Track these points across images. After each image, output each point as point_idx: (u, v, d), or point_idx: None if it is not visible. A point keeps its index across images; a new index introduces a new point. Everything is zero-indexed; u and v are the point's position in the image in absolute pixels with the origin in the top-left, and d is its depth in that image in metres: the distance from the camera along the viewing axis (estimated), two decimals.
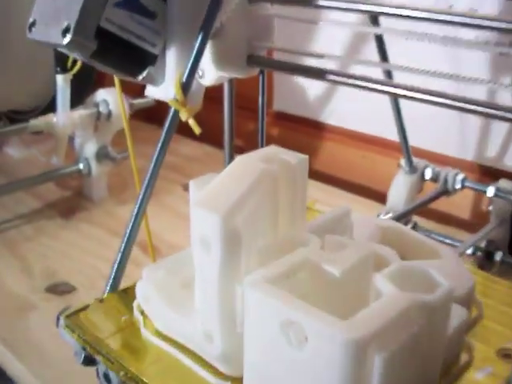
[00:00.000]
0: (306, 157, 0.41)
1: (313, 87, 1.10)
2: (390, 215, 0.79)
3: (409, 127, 0.80)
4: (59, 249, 0.81)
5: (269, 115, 1.14)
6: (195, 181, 0.43)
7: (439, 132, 0.92)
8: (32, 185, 0.93)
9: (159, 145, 0.48)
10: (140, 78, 0.49)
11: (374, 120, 1.02)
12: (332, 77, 0.45)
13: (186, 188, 0.96)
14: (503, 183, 0.74)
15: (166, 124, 0.48)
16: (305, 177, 0.41)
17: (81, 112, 0.86)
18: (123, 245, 0.49)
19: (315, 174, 0.95)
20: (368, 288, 0.36)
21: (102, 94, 0.88)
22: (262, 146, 0.67)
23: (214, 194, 0.35)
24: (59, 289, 0.72)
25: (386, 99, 0.79)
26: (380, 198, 0.98)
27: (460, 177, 0.78)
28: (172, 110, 0.48)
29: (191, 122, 0.46)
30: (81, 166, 0.93)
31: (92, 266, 0.76)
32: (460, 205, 0.90)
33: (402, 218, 0.74)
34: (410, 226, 0.80)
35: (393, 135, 0.97)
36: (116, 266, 0.48)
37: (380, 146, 1.04)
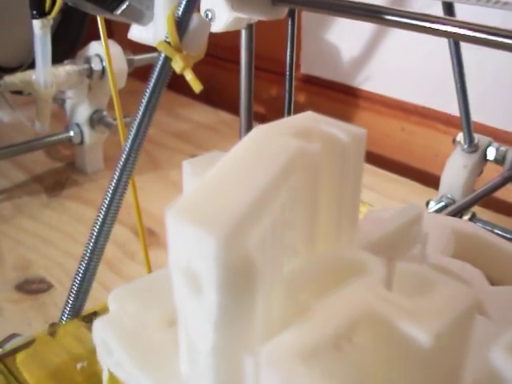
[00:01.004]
0: (364, 131, 0.26)
1: (346, 46, 0.94)
2: (443, 203, 0.64)
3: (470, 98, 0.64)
4: (39, 233, 0.67)
5: (295, 79, 0.99)
6: (191, 162, 0.29)
7: (507, 105, 0.76)
8: (15, 154, 0.79)
9: (144, 101, 0.33)
10: (118, 12, 0.34)
11: (419, 86, 0.87)
12: (377, 15, 0.32)
13: (191, 156, 0.81)
14: None
15: (154, 75, 0.33)
16: (360, 162, 0.26)
17: (68, 68, 0.71)
18: (90, 246, 0.35)
19: None
20: (463, 359, 0.21)
21: (94, 48, 0.73)
22: (289, 114, 0.52)
23: (211, 194, 0.20)
24: (32, 287, 0.58)
25: (438, 60, 0.64)
26: (422, 178, 0.83)
27: None
28: (162, 57, 0.32)
29: (189, 75, 0.31)
30: (72, 133, 0.79)
31: (76, 257, 0.62)
32: None
33: (463, 210, 0.58)
34: (466, 217, 0.64)
35: (441, 105, 0.82)
36: (78, 280, 0.33)
37: (424, 117, 0.89)
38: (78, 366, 0.29)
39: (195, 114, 0.99)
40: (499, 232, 0.63)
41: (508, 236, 0.63)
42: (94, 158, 0.81)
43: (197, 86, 0.31)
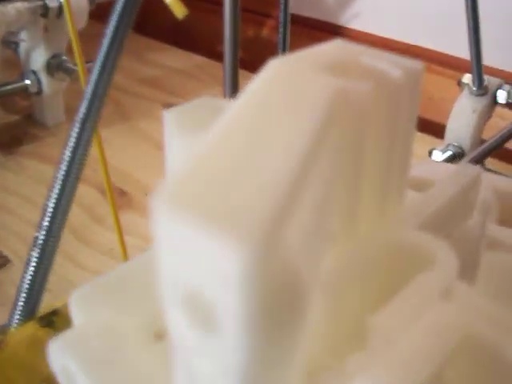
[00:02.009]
0: (421, 66, 0.18)
1: None
2: (450, 153, 0.57)
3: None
4: None
5: (276, 19, 0.91)
6: (174, 112, 0.22)
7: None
8: None
9: (107, 39, 0.25)
10: None
11: (410, 24, 0.80)
12: None
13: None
14: None
15: (119, 6, 0.25)
16: (415, 109, 0.19)
17: (18, 5, 0.62)
18: (48, 212, 0.28)
19: None
20: None
21: None
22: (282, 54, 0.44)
23: (224, 171, 0.12)
24: None
25: None
26: (421, 126, 0.76)
27: None
28: None
29: None
30: (28, 81, 0.70)
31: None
32: None
33: (475, 164, 0.52)
34: None
35: (435, 44, 0.75)
36: (31, 267, 0.25)
37: (416, 57, 0.81)
38: None
39: (166, 58, 0.90)
40: None
41: None
42: (54, 109, 0.74)
43: (180, 11, 0.23)
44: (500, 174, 0.58)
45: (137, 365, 0.19)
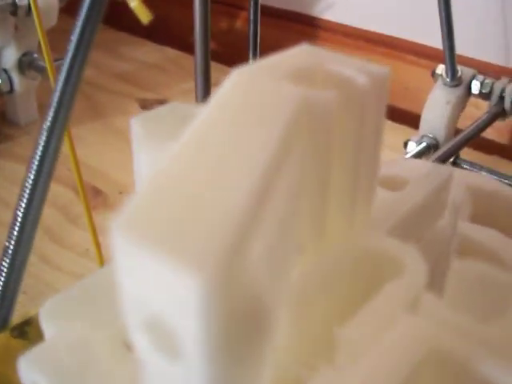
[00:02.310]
0: (386, 71, 0.18)
1: None
2: (425, 144, 0.57)
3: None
4: None
5: (245, 10, 0.91)
6: (142, 119, 0.22)
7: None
8: None
9: (76, 35, 0.26)
10: None
11: (384, 15, 0.80)
12: None
13: (143, 105, 0.73)
14: None
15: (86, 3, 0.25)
16: (381, 114, 0.19)
17: None
18: (20, 214, 0.28)
19: None
20: None
21: None
22: (254, 52, 0.44)
23: (185, 189, 0.12)
24: None
25: None
26: (391, 114, 0.76)
27: None
28: None
29: (134, 0, 0.23)
30: None
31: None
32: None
33: (452, 154, 0.52)
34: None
35: (409, 34, 0.75)
36: (2, 276, 0.25)
37: (391, 48, 0.82)
38: None
39: (138, 52, 0.90)
40: (485, 174, 0.58)
41: (495, 178, 0.57)
42: (26, 108, 0.73)
43: (144, 16, 0.23)
44: (475, 164, 0.58)
45: (109, 378, 0.18)
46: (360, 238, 0.19)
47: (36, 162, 0.35)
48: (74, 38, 0.29)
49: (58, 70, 0.67)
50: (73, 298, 0.22)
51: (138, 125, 0.22)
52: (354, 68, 0.18)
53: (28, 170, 0.36)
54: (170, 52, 0.90)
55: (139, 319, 0.12)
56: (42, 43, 0.40)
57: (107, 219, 0.37)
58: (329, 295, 0.17)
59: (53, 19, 0.65)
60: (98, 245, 0.42)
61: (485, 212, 0.31)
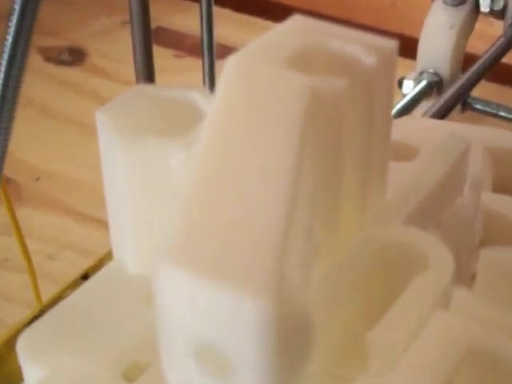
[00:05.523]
0: (394, 44, 0.24)
1: None
2: (425, 82, 0.63)
3: None
4: None
5: None
6: (111, 112, 0.27)
7: None
8: None
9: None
10: None
11: None
12: None
13: (48, 56, 0.76)
14: None
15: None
16: (390, 94, 0.24)
17: None
18: None
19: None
20: None
21: None
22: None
23: (219, 216, 0.17)
24: None
25: None
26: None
27: None
28: None
29: None
30: None
31: None
32: None
33: (460, 97, 0.58)
34: None
35: None
36: None
37: None
38: None
39: None
40: (504, 114, 0.64)
41: None
42: None
43: None
44: (490, 104, 0.64)
45: None
46: (376, 230, 0.25)
47: None
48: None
49: None
50: (49, 329, 0.27)
51: (106, 119, 0.27)
52: (358, 45, 0.23)
53: None
54: None
55: (187, 346, 0.17)
56: None
57: (26, 215, 0.43)
58: (352, 297, 0.23)
59: None
60: (27, 254, 0.47)
61: (508, 174, 0.37)
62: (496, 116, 0.64)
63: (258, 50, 0.23)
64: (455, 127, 0.35)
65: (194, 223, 0.17)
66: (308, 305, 0.18)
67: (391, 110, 0.25)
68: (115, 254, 0.29)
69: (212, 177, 0.19)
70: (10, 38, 0.33)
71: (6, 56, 0.33)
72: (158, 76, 0.47)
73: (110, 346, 0.26)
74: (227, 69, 0.22)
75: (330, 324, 0.22)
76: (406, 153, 0.30)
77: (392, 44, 0.24)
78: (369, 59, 0.23)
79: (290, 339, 0.16)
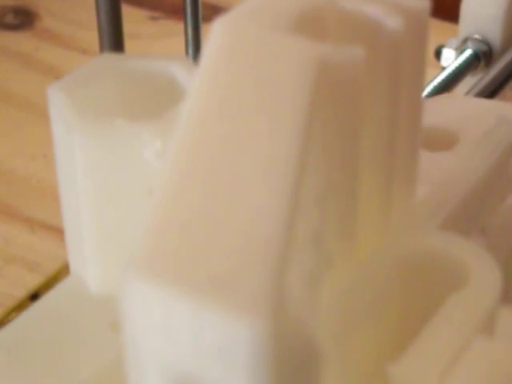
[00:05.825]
0: (427, 4, 0.24)
1: None
2: (471, 52, 0.64)
3: None
4: None
5: None
6: (64, 89, 0.28)
7: None
8: None
9: None
10: None
11: None
12: None
13: None
14: None
15: None
16: (421, 67, 0.25)
17: None
18: None
19: None
20: None
21: None
22: None
23: (207, 216, 0.18)
24: None
25: None
26: None
27: None
28: None
29: None
30: None
31: None
32: None
33: None
34: None
35: None
36: None
37: None
38: None
39: None
40: None
41: None
42: None
43: None
44: None
45: None
46: (402, 237, 0.25)
47: None
48: None
49: None
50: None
51: (61, 97, 0.27)
52: (380, 4, 0.24)
53: None
54: None
55: (163, 381, 0.18)
56: None
57: None
58: (371, 319, 0.23)
59: None
60: None
61: None
62: None
63: (255, 10, 0.24)
64: (506, 109, 0.36)
65: (170, 227, 0.18)
66: (316, 328, 0.18)
67: (423, 86, 0.26)
68: (72, 268, 0.30)
69: (194, 170, 0.19)
70: None
71: None
72: (129, 43, 0.48)
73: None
74: (215, 34, 0.23)
75: (344, 354, 0.23)
76: (442, 140, 0.31)
77: (423, 3, 0.25)
78: (393, 22, 0.24)
79: (293, 372, 0.17)
